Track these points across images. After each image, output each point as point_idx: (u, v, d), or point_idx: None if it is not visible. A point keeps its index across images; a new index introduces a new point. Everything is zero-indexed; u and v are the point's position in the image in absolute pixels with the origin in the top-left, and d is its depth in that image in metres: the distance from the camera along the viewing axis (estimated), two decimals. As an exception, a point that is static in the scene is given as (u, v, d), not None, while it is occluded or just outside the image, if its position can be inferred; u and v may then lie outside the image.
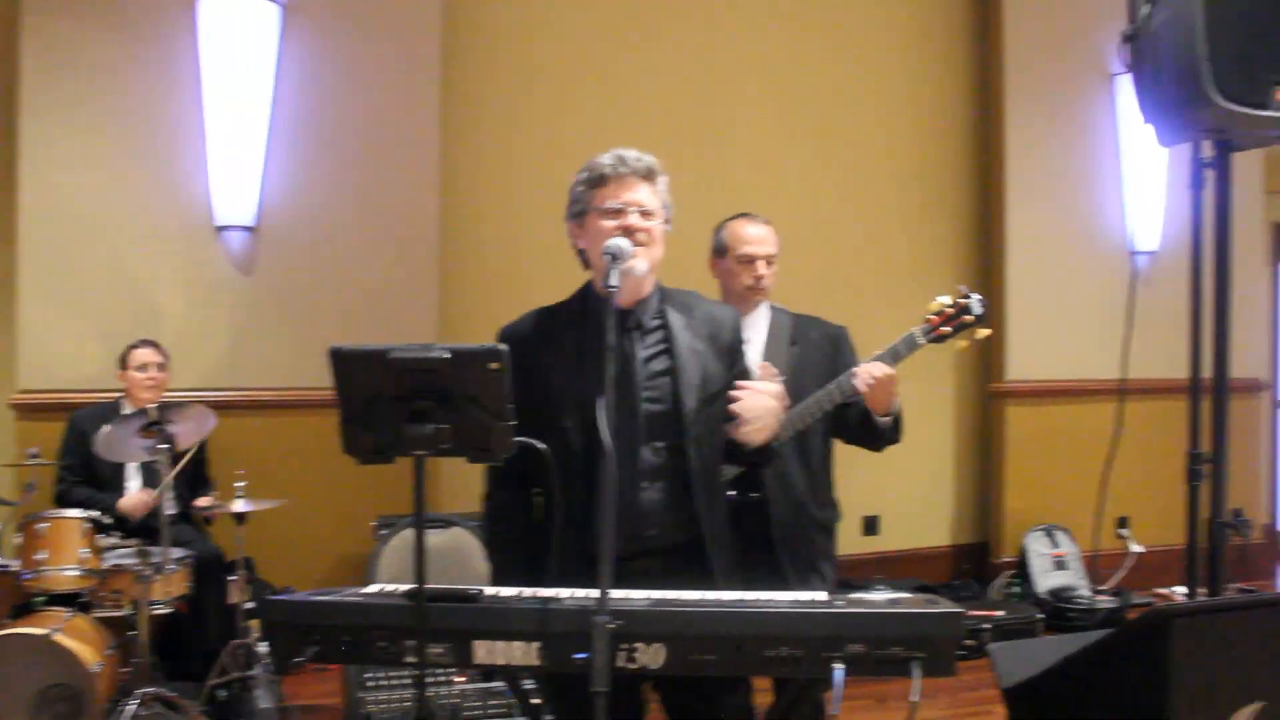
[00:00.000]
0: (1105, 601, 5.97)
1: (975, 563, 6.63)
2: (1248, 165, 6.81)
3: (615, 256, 2.28)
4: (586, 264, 2.51)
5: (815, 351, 3.19)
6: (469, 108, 5.71)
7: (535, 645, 2.04)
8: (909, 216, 6.59)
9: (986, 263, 6.68)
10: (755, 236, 3.20)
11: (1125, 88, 6.45)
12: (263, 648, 4.23)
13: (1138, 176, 6.72)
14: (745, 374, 2.55)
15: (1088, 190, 6.74)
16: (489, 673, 3.76)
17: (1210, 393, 3.27)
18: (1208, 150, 3.35)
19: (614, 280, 2.24)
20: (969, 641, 5.05)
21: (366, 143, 5.39)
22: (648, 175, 2.45)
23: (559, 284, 2.62)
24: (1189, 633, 1.97)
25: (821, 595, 2.17)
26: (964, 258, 6.70)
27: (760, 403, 2.37)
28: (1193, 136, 3.30)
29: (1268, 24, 3.08)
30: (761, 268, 3.18)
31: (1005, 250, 6.56)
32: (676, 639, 2.00)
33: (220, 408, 4.56)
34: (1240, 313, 6.82)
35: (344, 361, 2.10)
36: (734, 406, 2.37)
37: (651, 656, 2.01)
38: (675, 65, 6.06)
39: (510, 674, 2.45)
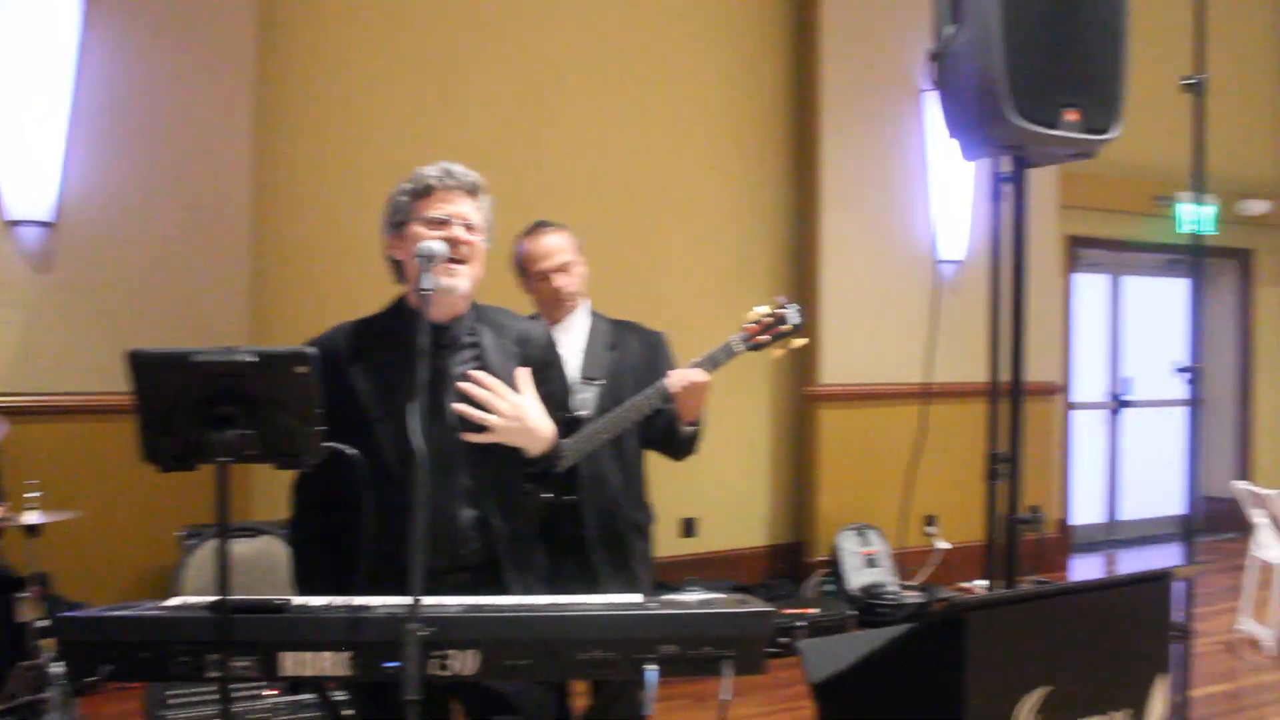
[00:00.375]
0: (913, 597, 6.20)
1: (790, 562, 6.79)
2: (1044, 180, 7.19)
3: (429, 258, 2.25)
4: (400, 277, 2.47)
5: (633, 357, 3.21)
6: (287, 104, 5.55)
7: (345, 655, 2.00)
8: (727, 224, 6.71)
9: (802, 270, 6.86)
10: (544, 251, 3.17)
11: (933, 104, 6.72)
12: (57, 668, 4.01)
13: (944, 189, 7.01)
14: (559, 392, 2.56)
15: (898, 201, 7.00)
16: (298, 685, 3.67)
17: (1008, 396, 3.44)
18: (1006, 165, 3.52)
19: (427, 283, 2.21)
20: (784, 639, 5.17)
21: (176, 137, 5.18)
22: (473, 191, 2.44)
23: (379, 289, 2.57)
24: (982, 624, 2.07)
25: (635, 597, 2.19)
26: (780, 265, 6.86)
27: (501, 407, 2.33)
28: (992, 152, 3.46)
29: (1061, 49, 3.26)
30: (558, 279, 3.16)
31: (820, 258, 6.75)
32: (489, 645, 1.99)
33: (12, 413, 4.31)
34: (1037, 320, 7.22)
35: (143, 365, 2.01)
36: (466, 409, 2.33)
37: (464, 663, 1.99)
38: (497, 67, 6.03)
39: (320, 685, 2.39)
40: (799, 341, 3.11)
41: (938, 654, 2.10)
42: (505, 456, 2.38)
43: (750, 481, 6.80)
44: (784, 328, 3.07)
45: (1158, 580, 2.36)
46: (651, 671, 1.98)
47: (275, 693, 3.81)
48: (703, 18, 6.66)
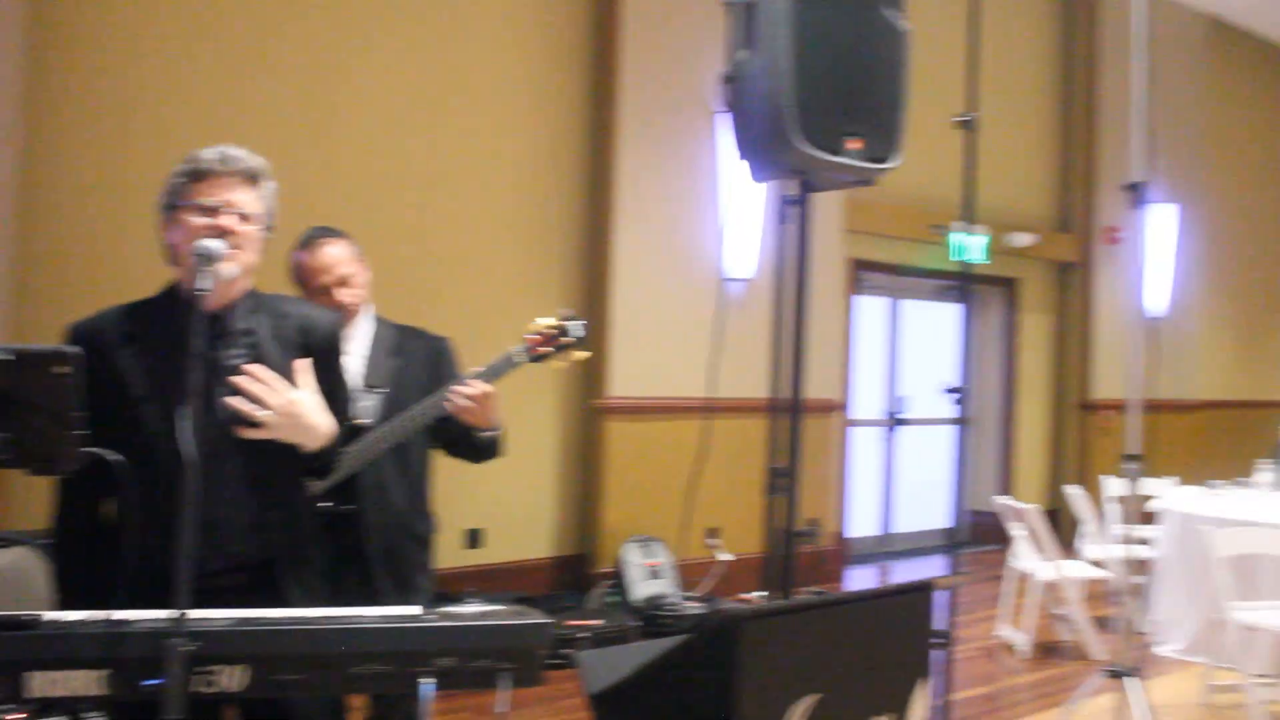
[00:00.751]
0: (695, 608, 6.30)
1: (575, 573, 6.81)
2: (830, 205, 7.46)
3: (206, 258, 2.17)
4: (174, 260, 2.37)
5: (417, 363, 3.17)
6: (63, 80, 5.21)
7: (101, 673, 1.90)
8: (520, 233, 6.68)
9: (593, 282, 6.90)
10: (323, 264, 3.07)
11: (725, 125, 6.86)
12: None
13: (735, 208, 7.17)
14: (338, 382, 2.50)
15: (690, 218, 7.13)
16: (48, 707, 3.44)
17: (788, 412, 3.55)
18: (793, 189, 3.64)
19: (203, 283, 2.13)
20: (567, 651, 5.17)
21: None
22: (251, 177, 2.35)
23: (159, 284, 2.45)
24: (754, 634, 2.12)
25: (413, 609, 2.15)
26: (572, 276, 6.89)
27: (275, 402, 2.26)
28: (778, 175, 3.58)
29: (846, 81, 3.40)
30: (340, 294, 3.07)
31: (611, 271, 6.81)
32: (259, 660, 1.92)
33: None
34: (819, 339, 7.44)
35: (-121, 361, 1.86)
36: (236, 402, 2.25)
37: (232, 679, 1.92)
38: (285, 58, 5.83)
39: (73, 706, 2.25)
40: (581, 354, 3.12)
41: (712, 663, 2.14)
42: (281, 451, 2.31)
43: (536, 493, 6.78)
44: (566, 340, 3.08)
45: (920, 591, 2.47)
46: (427, 685, 1.95)
47: (22, 716, 3.57)
48: (501, 25, 6.63)
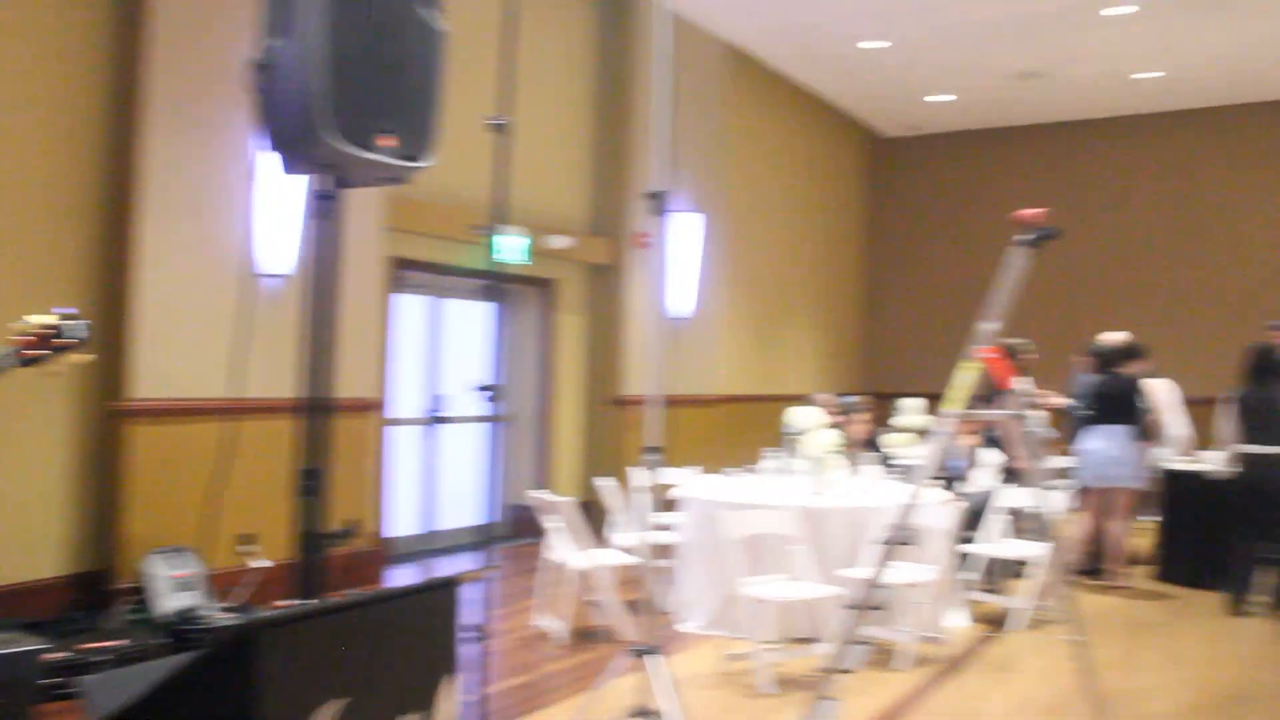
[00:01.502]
0: (230, 619, 6.01)
1: (92, 592, 6.26)
2: (369, 202, 7.38)
3: None
4: None
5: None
6: None
7: None
8: (27, 220, 6.01)
9: (114, 276, 6.35)
10: None
11: (258, 114, 6.57)
12: None
13: (273, 201, 6.87)
14: None
15: (226, 210, 6.75)
16: None
17: (320, 411, 3.48)
18: (326, 183, 3.58)
19: None
20: (81, 678, 4.77)
21: None
22: None
23: None
24: (273, 642, 2.05)
25: None
26: (90, 270, 6.30)
27: None
28: (310, 169, 3.51)
29: (380, 77, 3.40)
30: None
31: (135, 265, 6.30)
32: None
33: None
34: (356, 338, 7.39)
35: None
36: None
37: None
38: None
39: None
40: (81, 358, 2.87)
41: (229, 676, 2.05)
42: None
43: (44, 506, 6.14)
44: (62, 341, 2.81)
45: (444, 587, 2.50)
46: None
47: None
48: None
